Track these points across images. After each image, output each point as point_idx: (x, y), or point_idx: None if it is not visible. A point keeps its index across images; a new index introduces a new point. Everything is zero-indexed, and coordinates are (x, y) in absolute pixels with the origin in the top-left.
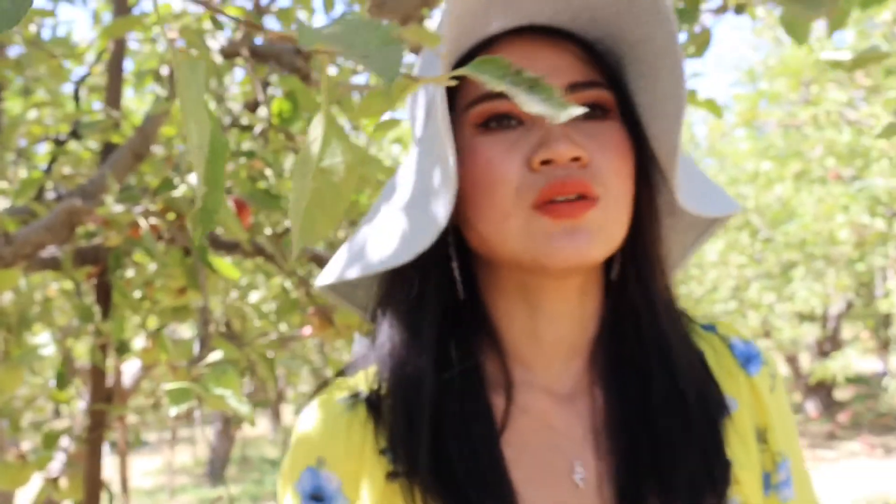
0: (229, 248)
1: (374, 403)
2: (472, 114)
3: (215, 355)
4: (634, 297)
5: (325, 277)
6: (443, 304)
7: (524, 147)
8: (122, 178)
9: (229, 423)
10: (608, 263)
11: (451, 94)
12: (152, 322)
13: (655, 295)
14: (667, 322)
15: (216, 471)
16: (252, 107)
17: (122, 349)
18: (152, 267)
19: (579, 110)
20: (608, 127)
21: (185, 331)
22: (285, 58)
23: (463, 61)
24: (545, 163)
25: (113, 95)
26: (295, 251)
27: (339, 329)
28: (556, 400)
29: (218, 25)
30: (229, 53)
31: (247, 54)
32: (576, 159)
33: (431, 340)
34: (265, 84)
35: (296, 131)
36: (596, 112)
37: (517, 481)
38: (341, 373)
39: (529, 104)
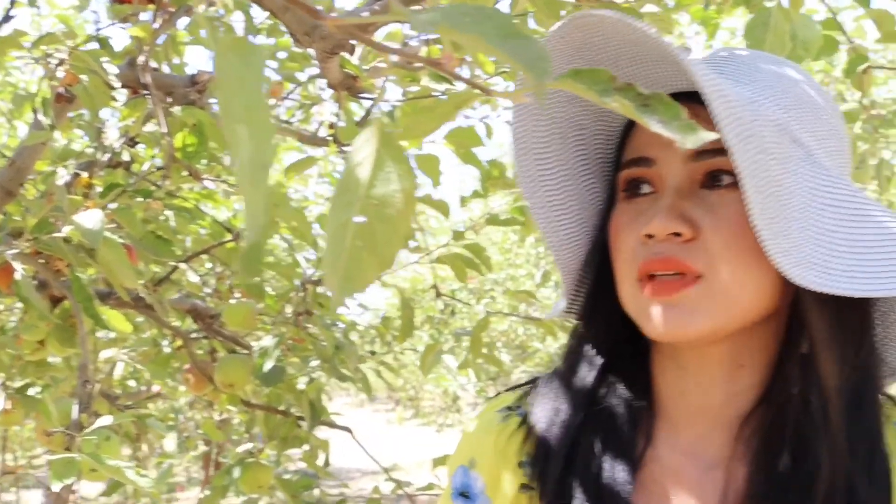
0: (102, 297)
1: (525, 420)
2: (619, 179)
3: (104, 420)
4: (793, 378)
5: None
6: (609, 347)
7: (644, 219)
8: None
9: (72, 485)
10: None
11: (620, 153)
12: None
13: (819, 380)
14: (822, 406)
15: None
16: (131, 142)
17: None
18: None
19: (709, 136)
20: (735, 198)
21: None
22: (179, 90)
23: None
24: (648, 236)
25: None
26: (334, 303)
27: (221, 386)
28: (696, 464)
29: (109, 51)
30: (124, 81)
31: (149, 81)
32: (677, 234)
33: (589, 377)
34: (146, 118)
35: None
36: (721, 180)
37: None
38: (517, 386)
39: (649, 123)
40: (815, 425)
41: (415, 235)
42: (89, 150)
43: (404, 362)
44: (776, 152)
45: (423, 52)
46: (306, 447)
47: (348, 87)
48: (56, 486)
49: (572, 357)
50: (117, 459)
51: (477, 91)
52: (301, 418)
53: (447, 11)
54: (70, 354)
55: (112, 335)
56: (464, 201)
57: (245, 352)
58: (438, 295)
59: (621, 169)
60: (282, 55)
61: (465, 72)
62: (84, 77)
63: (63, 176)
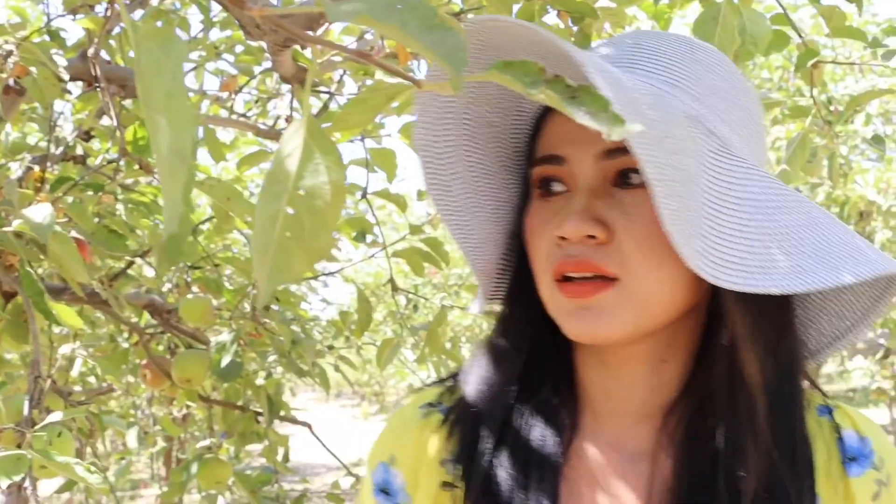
0: (56, 292)
1: (448, 416)
2: (532, 175)
3: (54, 416)
4: (718, 371)
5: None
6: (531, 341)
7: (558, 219)
8: None
9: (24, 482)
10: (712, 330)
11: (532, 148)
12: None
13: (739, 370)
14: (748, 400)
15: None
16: (86, 136)
17: None
18: None
19: (636, 128)
20: (648, 197)
21: None
22: (131, 83)
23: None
24: (562, 238)
25: None
26: (262, 295)
27: (178, 382)
28: (621, 456)
29: (59, 42)
30: (76, 74)
31: (100, 74)
32: (592, 237)
33: (512, 372)
34: (100, 111)
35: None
36: (633, 179)
37: None
38: (440, 381)
39: (576, 115)
40: (742, 422)
41: (373, 229)
42: (43, 144)
43: (368, 357)
44: (690, 148)
45: (380, 44)
46: (266, 443)
47: (301, 80)
48: (4, 483)
49: (494, 352)
50: (69, 456)
51: (408, 83)
52: (260, 414)
53: (371, 1)
54: (27, 350)
55: (70, 331)
56: (421, 195)
57: (203, 347)
58: (395, 289)
59: (533, 166)
60: (239, 49)
61: (422, 64)
62: (33, 69)
63: (15, 170)
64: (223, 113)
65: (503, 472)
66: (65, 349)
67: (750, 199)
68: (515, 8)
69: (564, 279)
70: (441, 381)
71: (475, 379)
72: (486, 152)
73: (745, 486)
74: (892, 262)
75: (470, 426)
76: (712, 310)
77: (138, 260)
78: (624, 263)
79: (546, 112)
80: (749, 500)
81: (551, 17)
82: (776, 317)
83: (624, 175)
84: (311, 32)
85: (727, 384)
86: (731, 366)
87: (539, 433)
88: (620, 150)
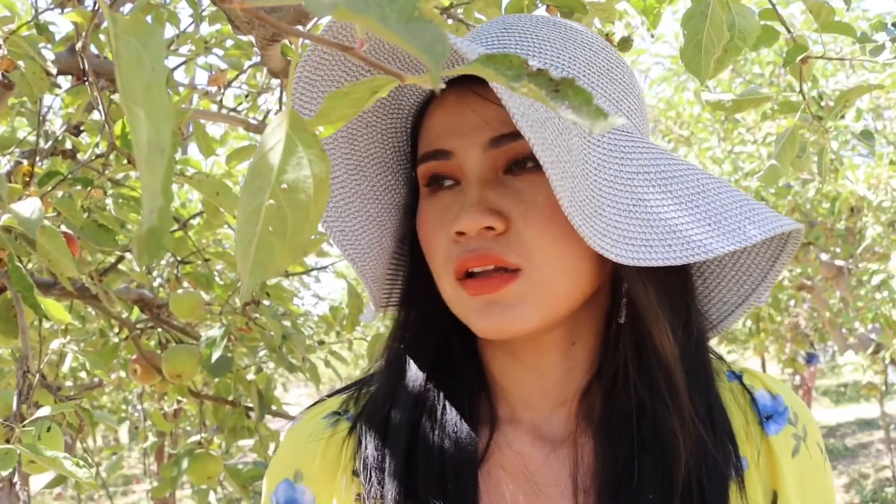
0: (46, 287)
1: (355, 424)
2: (419, 172)
3: (43, 411)
4: (626, 349)
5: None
6: (434, 343)
7: (452, 215)
8: None
9: (13, 477)
10: (616, 308)
11: (415, 143)
12: None
13: (651, 346)
14: (665, 375)
15: None
16: (75, 130)
17: None
18: None
19: (619, 121)
20: (541, 181)
21: None
22: None
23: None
24: (460, 234)
25: None
26: (245, 290)
27: (168, 377)
28: (541, 444)
29: (47, 36)
30: (65, 68)
31: (88, 68)
32: (490, 228)
33: (419, 374)
34: (90, 106)
35: None
36: (524, 165)
37: None
38: (342, 390)
39: (559, 109)
40: (661, 397)
41: None
42: (32, 138)
43: (360, 353)
44: (574, 128)
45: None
46: (257, 438)
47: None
48: None
49: (398, 356)
50: (58, 451)
51: (391, 77)
52: (251, 409)
53: None
54: (17, 346)
55: (60, 326)
56: None
57: (193, 342)
58: None
59: (418, 163)
60: (229, 43)
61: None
62: (21, 63)
63: (4, 164)
64: (213, 107)
65: (419, 475)
66: (55, 344)
67: (641, 172)
68: (505, 3)
69: (467, 276)
70: (344, 389)
71: (382, 384)
72: (366, 154)
73: (676, 460)
74: (787, 219)
75: (380, 432)
76: (615, 288)
77: (128, 255)
78: (525, 252)
79: (425, 107)
80: (683, 475)
81: (540, 12)
82: (680, 290)
83: (514, 162)
84: (301, 27)
85: (637, 361)
86: (638, 342)
87: (453, 433)
88: (506, 136)
